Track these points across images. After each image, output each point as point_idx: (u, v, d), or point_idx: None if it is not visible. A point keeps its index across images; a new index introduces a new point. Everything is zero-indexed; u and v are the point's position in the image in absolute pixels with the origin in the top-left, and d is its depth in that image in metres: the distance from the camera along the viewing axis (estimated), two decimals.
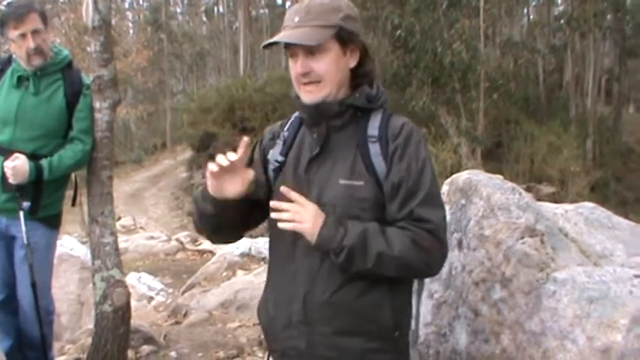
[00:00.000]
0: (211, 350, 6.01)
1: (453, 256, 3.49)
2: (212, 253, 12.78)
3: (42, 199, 4.49)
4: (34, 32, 4.37)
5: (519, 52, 32.60)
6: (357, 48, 2.54)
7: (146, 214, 29.18)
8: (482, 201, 3.41)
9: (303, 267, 2.53)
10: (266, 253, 8.26)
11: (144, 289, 9.76)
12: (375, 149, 2.49)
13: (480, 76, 27.17)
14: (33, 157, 4.36)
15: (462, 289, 3.40)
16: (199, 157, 36.14)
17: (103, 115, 4.56)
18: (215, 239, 2.91)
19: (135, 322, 5.34)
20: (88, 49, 4.64)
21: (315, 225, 2.39)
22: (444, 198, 3.68)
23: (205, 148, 34.85)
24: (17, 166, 4.27)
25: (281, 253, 2.63)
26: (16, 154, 4.30)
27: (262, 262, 8.27)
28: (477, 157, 26.37)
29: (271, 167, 2.68)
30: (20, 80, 4.47)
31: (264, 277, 7.32)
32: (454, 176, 3.77)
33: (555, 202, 3.79)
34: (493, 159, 26.76)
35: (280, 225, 2.40)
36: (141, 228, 19.74)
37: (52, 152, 4.44)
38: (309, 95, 2.51)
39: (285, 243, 2.57)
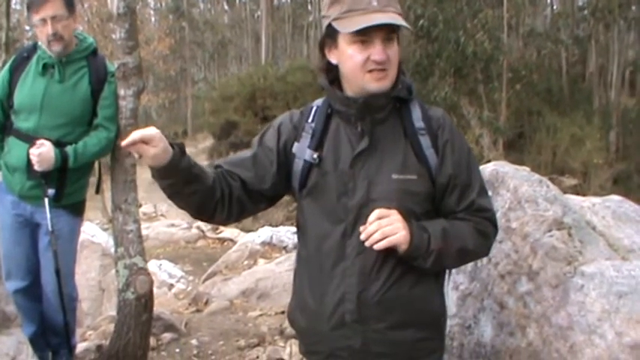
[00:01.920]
0: (232, 339, 6.02)
1: None
2: (233, 241, 12.82)
3: (66, 186, 4.49)
4: (54, 18, 4.35)
5: (542, 42, 32.31)
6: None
7: (166, 202, 29.24)
8: (509, 193, 3.38)
9: (354, 266, 2.45)
10: (288, 242, 8.33)
11: (164, 276, 9.81)
12: (425, 142, 2.46)
13: (503, 66, 26.96)
14: (58, 144, 4.36)
15: (487, 282, 3.38)
16: (220, 146, 36.18)
17: (128, 102, 4.55)
18: (205, 219, 2.72)
19: (156, 309, 5.35)
20: (113, 36, 4.64)
21: (407, 231, 2.36)
22: None
23: (226, 137, 34.89)
24: (43, 153, 4.27)
25: (325, 253, 2.52)
26: (42, 141, 4.31)
27: (284, 251, 8.27)
28: (498, 148, 26.18)
29: (299, 162, 2.57)
30: (45, 68, 4.47)
31: (285, 266, 7.37)
32: (480, 167, 3.74)
33: (577, 194, 3.76)
34: (515, 150, 26.59)
35: (375, 247, 2.33)
36: (162, 215, 19.82)
37: (76, 140, 4.44)
38: (378, 83, 2.41)
39: (332, 243, 2.50)
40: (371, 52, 2.38)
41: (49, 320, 4.69)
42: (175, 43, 40.36)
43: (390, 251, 2.37)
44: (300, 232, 2.68)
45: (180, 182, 2.43)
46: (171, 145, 2.43)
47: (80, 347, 5.17)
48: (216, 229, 14.40)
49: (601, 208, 3.57)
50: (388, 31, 2.38)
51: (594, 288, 2.86)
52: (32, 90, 4.47)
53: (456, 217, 2.48)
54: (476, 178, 2.52)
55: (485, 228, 2.50)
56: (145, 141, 2.35)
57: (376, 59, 2.37)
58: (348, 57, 2.42)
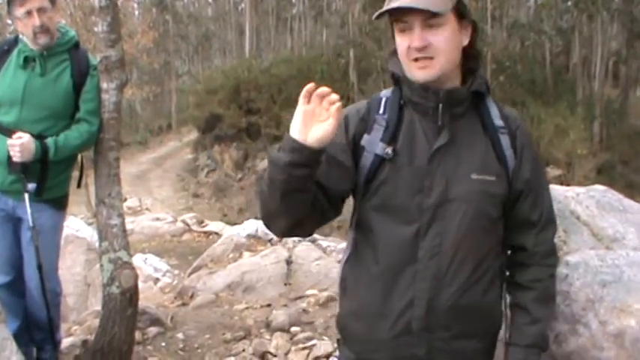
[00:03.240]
0: (218, 332, 6.01)
1: None
2: (218, 234, 12.80)
3: (48, 180, 4.46)
4: (40, 10, 4.32)
5: (526, 33, 32.51)
6: (470, 25, 2.34)
7: (151, 196, 29.23)
8: None
9: (427, 269, 2.29)
10: (273, 235, 8.30)
11: (150, 270, 9.78)
12: (505, 142, 2.36)
13: (487, 57, 27.07)
14: (39, 138, 4.33)
15: None
16: (205, 139, 36.23)
17: (110, 95, 4.52)
18: (284, 222, 2.30)
19: (142, 303, 5.34)
20: (95, 29, 4.61)
21: None
22: None
23: (211, 130, 34.93)
24: (24, 144, 4.24)
25: (392, 255, 2.34)
26: (19, 133, 4.27)
27: (269, 244, 8.25)
28: None
29: (368, 155, 2.36)
30: (27, 61, 4.43)
31: (271, 259, 7.36)
32: None
33: (562, 184, 3.76)
34: None
35: None
36: (147, 209, 19.78)
37: (58, 134, 4.40)
38: (422, 72, 2.25)
39: (401, 244, 2.32)
40: (411, 38, 2.24)
41: (33, 315, 4.67)
42: (159, 37, 40.21)
43: (467, 253, 2.30)
44: (361, 231, 2.45)
45: (314, 174, 2.19)
46: None
47: (65, 342, 5.15)
48: (201, 222, 14.39)
49: (585, 198, 3.56)
50: (428, 16, 2.20)
51: (578, 277, 2.85)
52: (13, 83, 4.43)
53: (532, 255, 2.47)
54: (546, 186, 2.51)
55: (553, 262, 2.59)
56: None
57: (415, 46, 2.22)
58: (398, 45, 2.31)
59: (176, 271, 10.19)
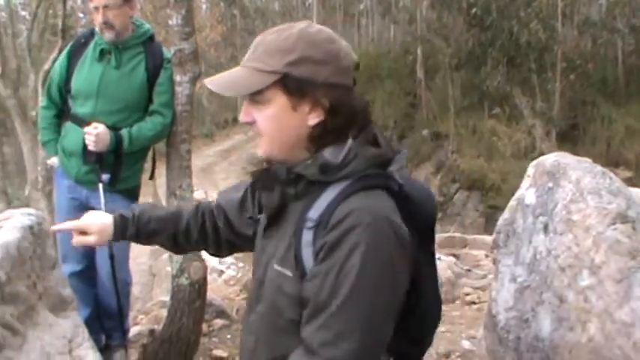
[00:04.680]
0: None
1: (538, 240, 3.40)
2: None
3: (121, 171, 4.52)
4: (106, 7, 4.39)
5: (598, 32, 31.79)
6: (319, 101, 1.88)
7: (217, 189, 29.41)
8: (570, 184, 3.30)
9: (244, 344, 2.14)
10: None
11: (214, 262, 9.82)
12: (307, 237, 1.89)
13: (557, 56, 26.61)
14: (114, 129, 4.39)
15: (546, 274, 3.31)
16: None
17: (184, 88, 4.55)
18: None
19: (208, 295, 5.36)
20: (169, 22, 4.63)
21: None
22: (529, 180, 3.59)
23: None
24: (100, 133, 4.30)
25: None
26: (95, 124, 4.33)
27: None
28: (551, 139, 25.90)
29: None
30: (102, 53, 4.50)
31: None
32: (541, 158, 3.66)
33: (632, 186, 3.65)
34: (568, 141, 26.19)
35: None
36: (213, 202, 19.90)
37: (132, 126, 4.47)
38: (259, 149, 2.02)
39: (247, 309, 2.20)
40: None
41: (103, 304, 4.73)
42: (227, 31, 40.47)
43: (263, 347, 2.03)
44: None
45: (136, 241, 2.45)
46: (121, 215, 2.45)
47: (133, 331, 5.21)
48: None
49: None
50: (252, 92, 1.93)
51: None
52: (89, 76, 4.50)
53: None
54: (335, 306, 1.79)
55: None
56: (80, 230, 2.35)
57: (240, 120, 2.02)
58: None
59: (240, 264, 10.21)
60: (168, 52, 4.62)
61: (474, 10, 26.42)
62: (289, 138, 1.94)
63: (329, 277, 1.80)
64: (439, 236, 9.73)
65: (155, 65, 4.54)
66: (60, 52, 16.38)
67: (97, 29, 4.52)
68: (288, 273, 1.92)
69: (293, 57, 1.87)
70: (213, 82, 1.96)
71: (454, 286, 7.03)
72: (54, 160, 4.75)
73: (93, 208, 4.52)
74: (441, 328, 5.78)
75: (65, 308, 3.82)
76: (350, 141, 1.92)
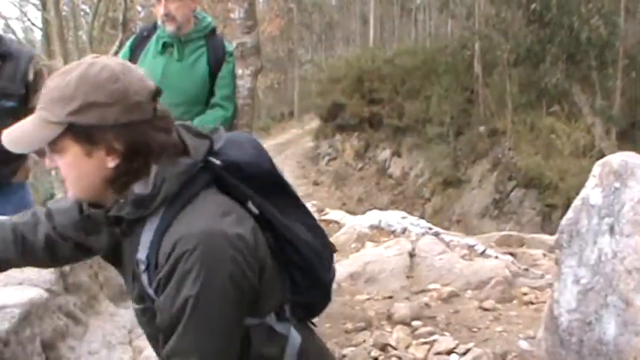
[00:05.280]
0: (339, 321, 5.99)
1: (604, 242, 3.33)
2: (338, 223, 12.78)
3: None
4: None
5: None
6: (113, 143, 1.81)
7: None
8: (638, 185, 3.23)
9: None
10: (397, 226, 8.28)
11: None
12: (144, 279, 1.88)
13: (619, 53, 26.08)
14: None
15: (612, 277, 3.24)
16: (326, 127, 36.38)
17: (245, 82, 4.57)
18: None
19: None
20: (232, 15, 4.65)
21: None
22: (595, 180, 3.52)
23: (333, 119, 35.05)
24: None
25: None
26: None
27: (392, 235, 8.18)
28: (611, 137, 25.42)
29: None
30: (165, 46, 4.53)
31: (394, 251, 7.29)
32: (607, 158, 3.59)
33: None
34: (628, 140, 25.67)
35: None
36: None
37: (193, 119, 4.47)
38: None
39: None
40: None
41: None
42: (284, 25, 40.62)
43: None
44: None
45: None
46: None
47: None
48: (322, 210, 14.40)
49: None
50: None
51: None
52: (151, 68, 4.51)
53: None
54: (176, 336, 1.82)
55: None
56: None
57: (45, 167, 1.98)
58: None
59: None
60: (230, 45, 4.63)
61: (533, 5, 26.01)
62: (92, 183, 1.88)
63: (164, 313, 1.81)
64: (495, 234, 9.63)
65: (217, 58, 4.55)
66: (120, 45, 16.69)
67: (159, 22, 4.55)
68: (148, 304, 1.90)
69: (75, 105, 1.78)
70: (6, 137, 1.88)
71: (511, 285, 6.93)
72: None
73: None
74: (497, 328, 5.72)
75: (125, 299, 3.86)
76: (154, 167, 1.86)
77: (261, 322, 1.95)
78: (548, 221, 22.64)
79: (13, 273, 2.19)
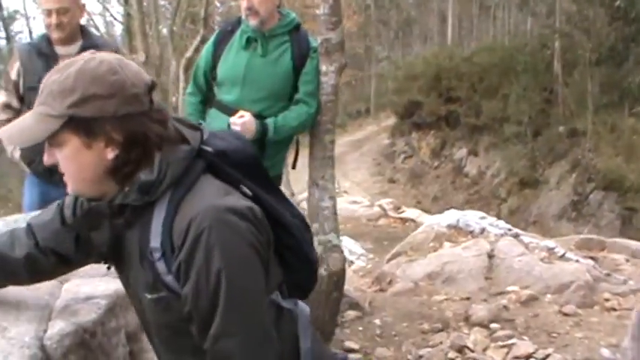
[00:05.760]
0: (416, 321, 5.95)
1: None
2: (414, 221, 12.73)
3: (265, 160, 4.51)
4: None
5: None
6: (112, 134, 1.85)
7: (348, 179, 29.57)
8: None
9: None
10: (475, 226, 8.18)
11: (345, 252, 9.84)
12: (162, 268, 1.90)
13: None
14: (258, 117, 4.41)
15: None
16: (403, 125, 36.25)
17: (329, 78, 4.54)
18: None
19: None
20: (317, 11, 4.62)
21: None
22: None
23: (409, 116, 34.89)
24: (246, 123, 4.33)
25: None
26: (242, 112, 4.37)
27: (470, 236, 8.09)
28: None
29: None
30: (249, 41, 4.52)
31: (472, 251, 7.22)
32: None
33: None
34: None
35: None
36: (345, 192, 19.95)
37: (276, 114, 4.48)
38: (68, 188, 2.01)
39: None
40: None
41: None
42: (361, 22, 40.58)
43: None
44: None
45: None
46: None
47: None
48: (398, 208, 14.34)
49: None
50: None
51: None
52: (235, 63, 4.54)
53: None
54: (220, 310, 1.82)
55: None
56: None
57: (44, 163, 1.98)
58: None
59: (370, 255, 10.21)
60: (314, 41, 4.61)
61: (617, 2, 25.45)
62: (92, 175, 1.90)
63: (201, 293, 1.81)
64: (575, 237, 9.44)
65: (301, 54, 4.53)
66: (202, 40, 16.87)
67: (242, 16, 4.55)
68: (163, 294, 1.91)
69: (75, 97, 1.82)
70: (4, 133, 1.93)
71: (592, 290, 6.80)
72: None
73: None
74: (577, 334, 5.61)
75: None
76: (157, 154, 1.90)
77: (271, 300, 1.97)
78: (628, 225, 22.15)
79: (97, 265, 2.21)
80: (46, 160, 1.94)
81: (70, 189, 1.97)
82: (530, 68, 30.51)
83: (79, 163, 1.88)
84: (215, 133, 2.07)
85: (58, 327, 2.41)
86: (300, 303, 2.11)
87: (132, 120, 1.85)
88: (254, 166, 2.07)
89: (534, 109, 28.91)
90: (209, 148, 1.97)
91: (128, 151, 1.86)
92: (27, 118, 1.89)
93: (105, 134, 1.84)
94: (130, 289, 2.10)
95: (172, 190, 1.89)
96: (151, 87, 1.92)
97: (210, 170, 1.96)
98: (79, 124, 1.83)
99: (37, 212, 2.35)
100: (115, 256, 2.07)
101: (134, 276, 2.01)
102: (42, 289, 2.63)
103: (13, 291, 2.45)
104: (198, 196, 1.87)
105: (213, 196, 1.87)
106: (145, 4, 21.62)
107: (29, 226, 2.24)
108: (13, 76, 4.70)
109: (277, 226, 2.02)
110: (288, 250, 2.10)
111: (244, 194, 1.95)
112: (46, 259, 2.21)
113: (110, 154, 1.86)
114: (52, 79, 1.87)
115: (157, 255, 1.88)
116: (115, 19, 33.97)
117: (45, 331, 2.38)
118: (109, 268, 2.14)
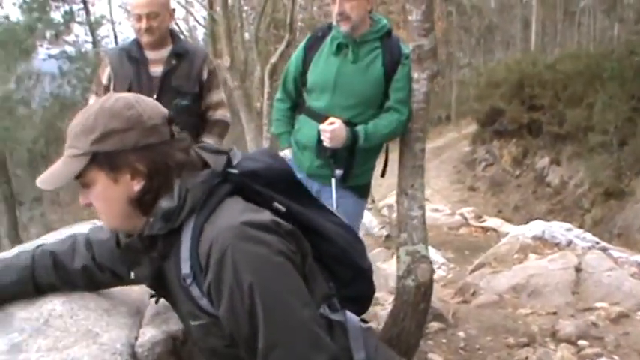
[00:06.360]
0: (500, 335, 5.84)
1: None
2: (496, 231, 12.54)
3: (354, 167, 4.50)
4: None
5: None
6: (136, 167, 1.98)
7: (428, 186, 29.37)
8: None
9: None
10: (561, 238, 7.99)
11: None
12: (195, 292, 1.96)
13: None
14: (348, 125, 4.36)
15: None
16: (484, 132, 35.83)
17: (421, 85, 4.45)
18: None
19: None
20: (409, 17, 4.54)
21: None
22: None
23: (491, 124, 34.46)
24: (335, 130, 4.29)
25: None
26: (332, 119, 4.33)
27: (555, 248, 7.92)
28: None
29: None
30: (340, 47, 4.48)
31: (559, 264, 7.08)
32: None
33: None
34: None
35: None
36: (426, 200, 19.85)
37: (366, 121, 4.42)
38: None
39: None
40: None
41: None
42: (444, 28, 40.38)
43: None
44: None
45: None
46: None
47: None
48: (480, 217, 14.15)
49: None
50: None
51: None
52: (325, 69, 4.51)
53: None
54: (262, 329, 1.83)
55: None
56: None
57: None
58: None
59: (451, 265, 10.09)
60: (406, 47, 4.55)
61: None
62: (122, 209, 2.02)
63: (237, 310, 1.84)
64: None
65: (393, 61, 4.47)
66: (287, 44, 16.96)
67: (334, 22, 4.52)
68: (204, 321, 1.98)
69: (96, 134, 1.94)
70: (40, 180, 2.02)
71: None
72: (286, 153, 4.80)
73: None
74: None
75: None
76: (177, 181, 2.00)
77: (319, 314, 2.00)
78: None
79: None
80: (82, 201, 2.06)
81: (106, 227, 2.16)
82: (617, 75, 29.80)
83: (109, 199, 2.01)
84: (248, 155, 2.14)
85: (149, 334, 2.45)
86: (349, 313, 2.12)
87: (153, 150, 1.97)
88: (288, 182, 2.15)
89: (621, 118, 28.21)
90: (235, 171, 2.05)
91: (152, 182, 1.99)
92: (58, 162, 2.01)
93: (129, 166, 1.96)
94: (183, 321, 2.19)
95: (196, 214, 1.96)
96: (170, 119, 2.03)
97: (239, 192, 2.04)
98: (103, 159, 1.95)
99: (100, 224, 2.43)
100: (161, 289, 2.17)
101: (179, 306, 2.10)
102: (132, 295, 2.66)
103: (104, 297, 2.52)
104: (220, 218, 1.93)
105: (233, 215, 1.91)
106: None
107: (88, 239, 2.39)
108: (104, 80, 4.78)
109: (317, 236, 2.10)
110: (335, 260, 2.16)
111: (276, 210, 2.02)
112: (102, 274, 2.38)
113: (137, 186, 1.99)
114: (75, 122, 2.01)
115: (188, 280, 1.95)
116: (199, 23, 34.44)
117: (136, 338, 2.42)
118: (157, 302, 2.26)
